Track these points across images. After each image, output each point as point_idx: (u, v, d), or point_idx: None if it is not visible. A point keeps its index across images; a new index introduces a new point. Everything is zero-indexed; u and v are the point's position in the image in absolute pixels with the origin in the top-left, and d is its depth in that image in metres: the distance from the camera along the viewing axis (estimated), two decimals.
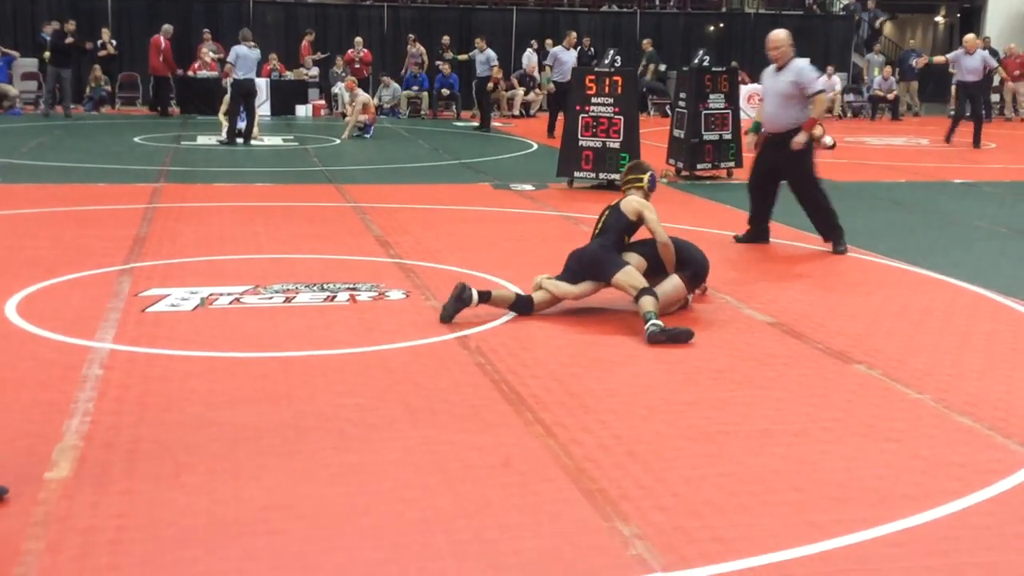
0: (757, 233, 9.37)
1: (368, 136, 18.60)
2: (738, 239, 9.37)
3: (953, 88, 20.38)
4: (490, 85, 21.63)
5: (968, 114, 19.04)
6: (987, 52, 20.26)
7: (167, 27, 22.90)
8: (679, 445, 4.60)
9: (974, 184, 13.96)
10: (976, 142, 18.61)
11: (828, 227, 9.07)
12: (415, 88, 24.24)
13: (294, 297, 7.05)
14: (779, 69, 9.00)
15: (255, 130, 17.78)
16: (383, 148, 17.35)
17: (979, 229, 10.44)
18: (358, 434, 4.65)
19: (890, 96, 25.70)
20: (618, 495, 4.05)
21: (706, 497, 4.05)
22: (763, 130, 9.23)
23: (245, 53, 17.01)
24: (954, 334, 6.52)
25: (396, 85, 24.19)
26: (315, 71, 25.06)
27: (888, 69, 26.37)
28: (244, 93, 17.29)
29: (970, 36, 19.77)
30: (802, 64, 9.10)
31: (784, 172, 9.14)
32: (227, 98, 17.67)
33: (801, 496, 4.09)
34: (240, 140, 17.19)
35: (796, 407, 5.15)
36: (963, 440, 4.76)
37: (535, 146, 17.88)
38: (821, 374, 5.70)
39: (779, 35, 9.10)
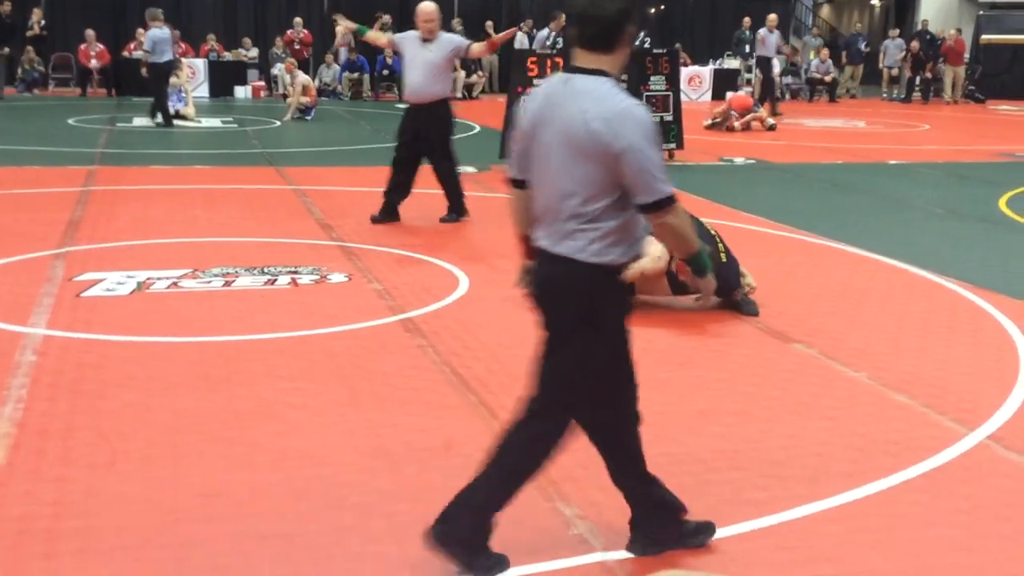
0: (392, 210, 9.21)
1: (309, 118, 18.42)
2: (374, 219, 9.12)
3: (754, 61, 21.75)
4: None
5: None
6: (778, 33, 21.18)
7: (90, 33, 22.49)
8: None
9: (910, 165, 14.18)
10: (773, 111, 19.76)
11: (458, 202, 9.37)
12: (355, 74, 24.05)
13: (233, 281, 6.96)
14: (426, 40, 8.84)
15: (191, 111, 17.51)
16: (325, 130, 17.20)
17: (916, 210, 10.61)
18: (299, 419, 4.62)
19: (827, 78, 26.00)
20: (560, 476, 4.06)
21: None
22: (411, 102, 9.15)
23: (161, 36, 16.69)
24: (891, 313, 6.62)
25: (337, 67, 23.98)
26: (254, 52, 24.75)
27: (825, 52, 26.68)
28: (166, 74, 17.00)
29: (772, 16, 21.23)
30: (451, 35, 9.38)
31: (426, 145, 9.10)
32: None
33: (740, 475, 4.14)
34: (162, 120, 16.85)
35: (736, 387, 5.20)
36: (899, 417, 4.84)
37: (477, 128, 17.83)
38: (761, 354, 5.76)
39: (431, 8, 8.93)
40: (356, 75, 24.08)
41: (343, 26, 9.95)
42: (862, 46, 26.90)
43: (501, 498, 3.36)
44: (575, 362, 3.31)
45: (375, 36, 9.84)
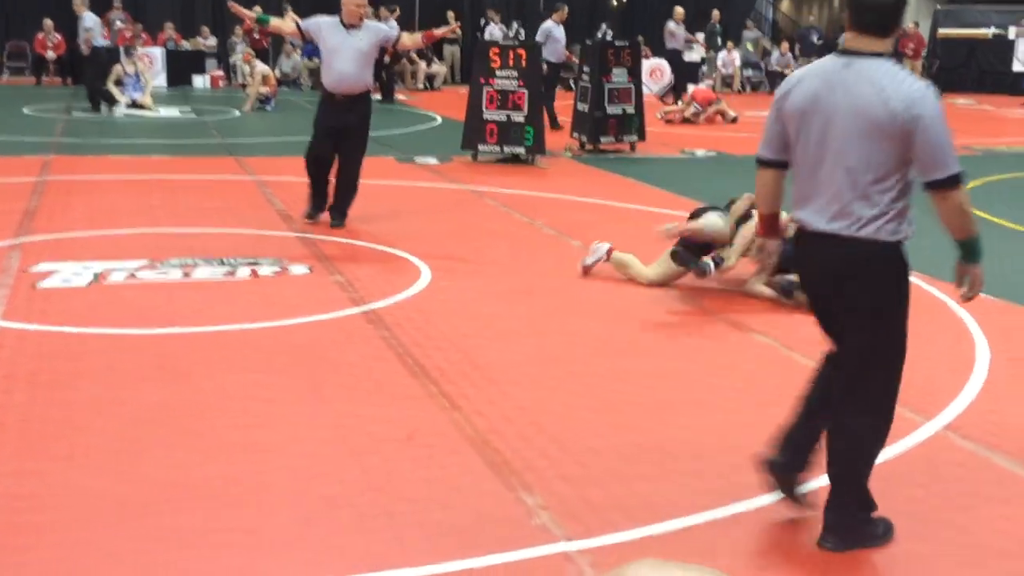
0: (322, 204, 8.71)
1: (270, 108, 18.28)
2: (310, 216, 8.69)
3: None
4: (386, 57, 21.35)
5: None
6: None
7: (48, 23, 22.17)
8: (582, 416, 4.64)
9: None
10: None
11: (347, 204, 8.66)
12: (317, 59, 23.89)
13: (192, 272, 6.91)
14: (352, 27, 8.27)
15: (149, 100, 17.33)
16: (285, 120, 17.07)
17: None
18: (262, 410, 4.59)
19: (787, 71, 26.16)
20: (522, 466, 4.08)
21: (609, 466, 4.10)
22: (336, 93, 8.38)
23: (89, 22, 16.58)
24: None
25: (297, 56, 23.80)
26: (213, 41, 24.52)
27: (785, 45, 26.86)
28: (96, 61, 16.85)
29: (679, 8, 21.12)
30: (376, 23, 8.92)
31: (348, 139, 8.44)
32: (115, 68, 17.13)
33: (701, 464, 4.17)
34: (103, 104, 16.69)
35: (701, 378, 5.24)
36: None
37: (439, 119, 17.79)
38: (725, 346, 5.80)
39: None
40: (317, 64, 23.92)
41: (242, 16, 9.09)
42: (815, 39, 27.08)
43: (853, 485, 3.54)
44: (879, 340, 3.51)
45: (279, 24, 8.94)
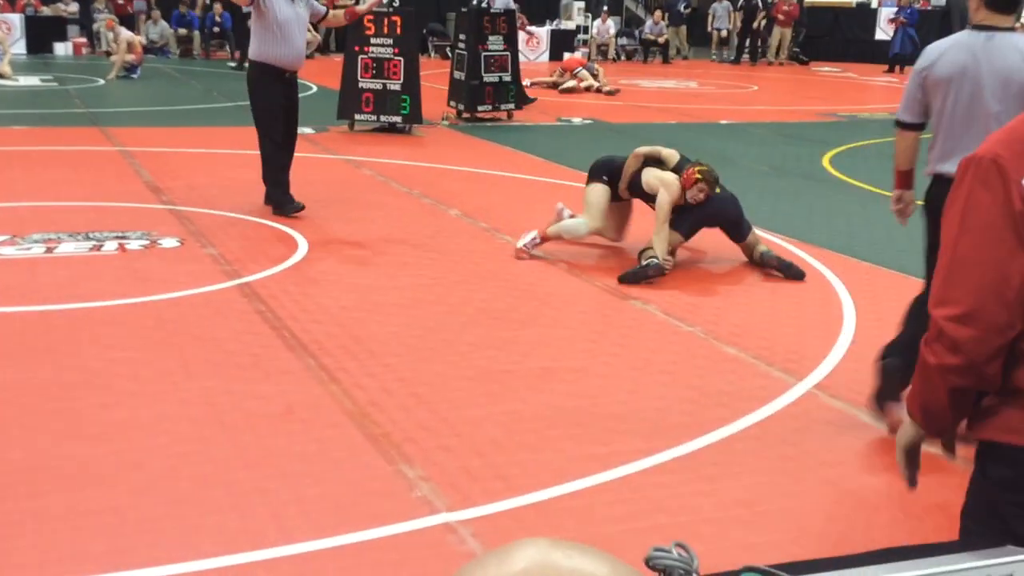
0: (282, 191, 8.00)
1: (135, 76, 17.67)
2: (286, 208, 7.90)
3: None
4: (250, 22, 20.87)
5: None
6: None
7: None
8: (462, 386, 4.63)
9: (740, 125, 14.62)
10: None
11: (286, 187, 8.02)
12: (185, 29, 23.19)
13: (56, 247, 6.64)
14: None
15: (7, 68, 16.58)
16: (152, 89, 16.53)
17: (744, 168, 10.93)
18: (129, 388, 4.45)
19: (661, 40, 26.50)
20: (402, 438, 4.04)
21: (489, 436, 4.10)
22: (287, 69, 7.83)
23: None
24: (721, 269, 6.83)
25: (164, 23, 23.05)
26: (75, 7, 23.54)
27: (659, 14, 27.16)
28: None
29: None
30: None
31: (289, 116, 8.03)
32: None
33: (581, 430, 4.20)
34: None
35: (576, 344, 5.28)
36: (730, 369, 5.00)
37: (314, 88, 17.45)
38: (601, 311, 5.85)
39: None
40: (185, 32, 23.21)
41: None
42: (682, 7, 27.43)
43: None
44: None
45: None
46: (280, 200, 7.89)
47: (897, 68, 24.35)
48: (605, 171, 7.02)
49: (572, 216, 7.20)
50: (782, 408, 4.52)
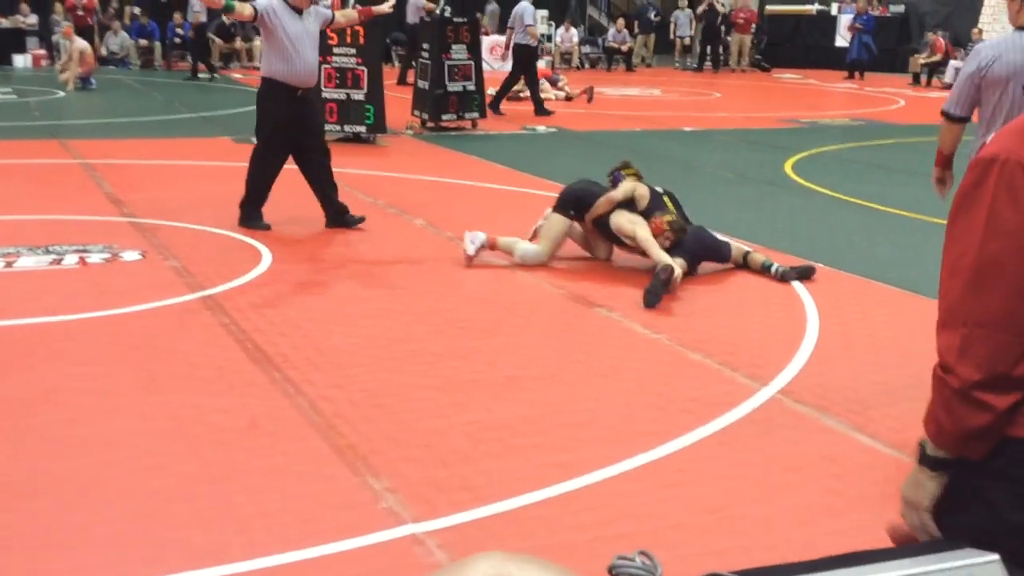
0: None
1: (93, 87, 17.52)
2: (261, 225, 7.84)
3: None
4: (207, 33, 20.71)
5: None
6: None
7: None
8: (428, 396, 4.62)
9: (703, 132, 14.71)
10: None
11: (338, 206, 7.96)
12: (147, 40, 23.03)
13: (15, 261, 6.56)
14: (298, 11, 7.57)
15: None
16: (113, 101, 16.41)
17: (707, 175, 11.01)
18: (92, 404, 4.40)
19: (624, 48, 26.64)
20: (368, 449, 4.03)
21: (455, 446, 4.09)
22: (298, 87, 7.64)
23: None
24: (685, 277, 6.85)
25: (125, 34, 22.89)
26: (33, 18, 23.33)
27: (621, 22, 27.31)
28: None
29: None
30: (315, 5, 7.92)
31: (309, 136, 7.81)
32: None
33: (547, 439, 4.20)
34: None
35: (542, 352, 5.28)
36: (696, 376, 5.02)
37: None
38: (565, 319, 5.86)
39: None
40: (146, 42, 23.04)
41: (214, 5, 7.69)
42: (652, 15, 27.66)
43: None
44: None
45: (241, 8, 7.49)
46: (254, 216, 7.76)
47: (857, 74, 24.63)
48: (574, 205, 6.92)
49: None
50: (747, 414, 4.54)
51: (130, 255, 6.84)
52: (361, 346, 5.25)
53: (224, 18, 22.85)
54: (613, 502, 3.69)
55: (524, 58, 15.61)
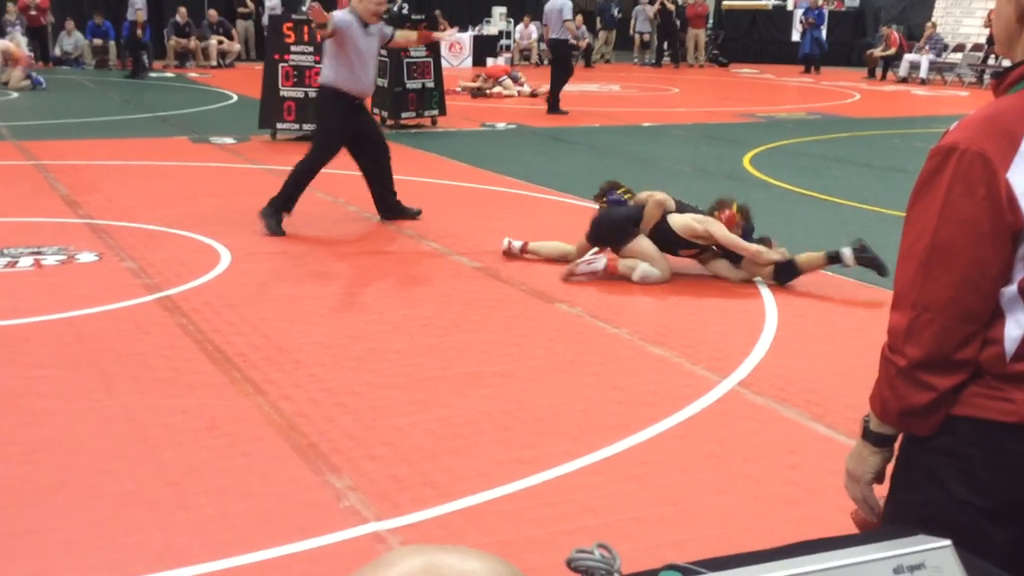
0: (390, 206, 8.27)
1: (43, 87, 17.31)
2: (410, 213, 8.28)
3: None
4: (139, 32, 20.50)
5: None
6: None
7: None
8: (389, 394, 4.61)
9: (662, 127, 14.78)
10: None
11: (395, 202, 8.30)
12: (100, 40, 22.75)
13: None
14: (366, 26, 7.79)
15: None
16: (67, 101, 16.21)
17: (667, 169, 11.06)
18: (49, 407, 4.35)
19: (582, 44, 26.68)
20: (329, 448, 4.02)
21: (417, 443, 4.09)
22: (359, 98, 7.94)
23: None
24: None
25: (79, 33, 22.62)
26: None
27: (580, 18, 27.33)
28: None
29: None
30: (381, 24, 8.12)
31: (367, 139, 8.07)
32: None
33: (508, 434, 4.21)
34: None
35: (503, 348, 5.29)
36: (656, 369, 5.05)
37: (235, 97, 17.27)
38: (526, 315, 5.87)
39: None
40: (101, 42, 22.79)
41: (322, 19, 7.50)
42: (615, 12, 27.76)
43: None
44: None
45: (329, 18, 7.54)
46: (279, 221, 7.76)
47: (813, 69, 24.84)
48: (602, 238, 6.72)
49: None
50: (707, 406, 4.58)
51: (86, 257, 6.77)
52: (321, 344, 5.24)
53: (173, 18, 22.66)
54: (574, 496, 3.70)
55: (562, 54, 15.69)
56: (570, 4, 15.38)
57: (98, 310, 5.68)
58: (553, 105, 15.71)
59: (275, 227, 7.67)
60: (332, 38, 7.62)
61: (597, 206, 7.04)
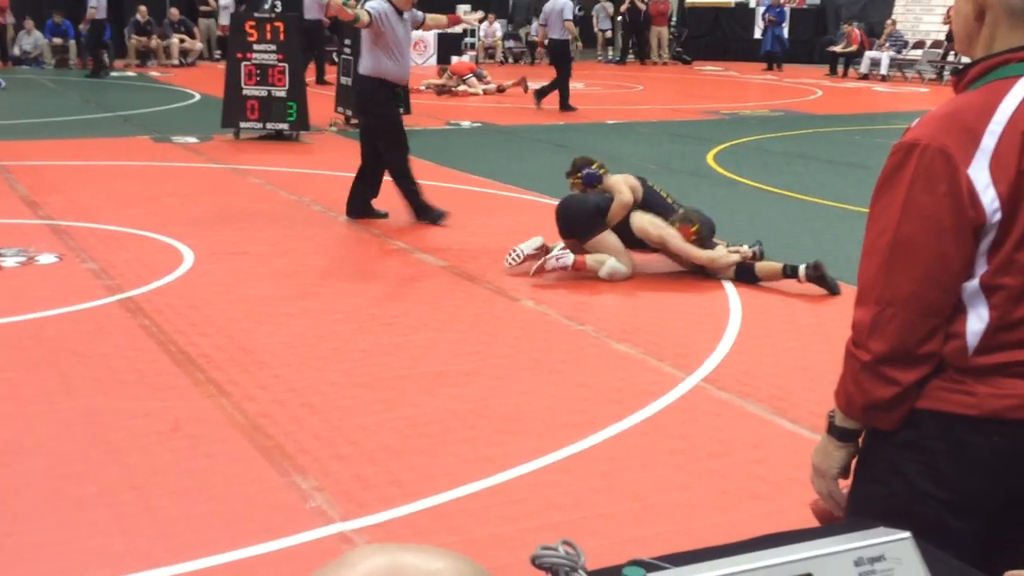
0: (364, 209, 8.24)
1: (3, 87, 17.10)
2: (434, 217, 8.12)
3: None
4: (83, 25, 20.24)
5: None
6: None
7: None
8: (355, 394, 4.59)
9: (627, 124, 14.82)
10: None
11: (422, 203, 8.19)
12: (62, 39, 22.50)
13: None
14: (401, 13, 7.88)
15: None
16: (27, 101, 16.01)
17: (632, 166, 11.07)
18: (8, 410, 4.30)
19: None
20: (295, 449, 4.00)
21: (383, 442, 4.08)
22: (399, 85, 8.14)
23: None
24: None
25: (39, 32, 22.35)
26: None
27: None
28: None
29: None
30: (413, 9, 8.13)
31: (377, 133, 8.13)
32: None
33: (474, 433, 4.21)
34: None
35: (469, 347, 5.28)
36: (622, 366, 5.07)
37: (197, 96, 17.13)
38: (492, 313, 5.87)
39: None
40: (61, 41, 22.53)
41: (345, 16, 7.62)
42: (577, 10, 27.78)
43: None
44: None
45: (363, 16, 7.59)
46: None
47: (775, 66, 24.99)
48: (570, 230, 6.68)
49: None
50: (672, 402, 4.60)
51: (46, 258, 6.69)
52: (286, 345, 5.21)
53: (139, 17, 22.47)
54: (541, 493, 3.71)
55: (562, 53, 15.86)
56: (571, 4, 15.58)
57: (58, 312, 5.62)
58: (564, 104, 15.89)
59: (436, 216, 7.99)
60: (368, 28, 7.75)
61: (570, 182, 7.04)
